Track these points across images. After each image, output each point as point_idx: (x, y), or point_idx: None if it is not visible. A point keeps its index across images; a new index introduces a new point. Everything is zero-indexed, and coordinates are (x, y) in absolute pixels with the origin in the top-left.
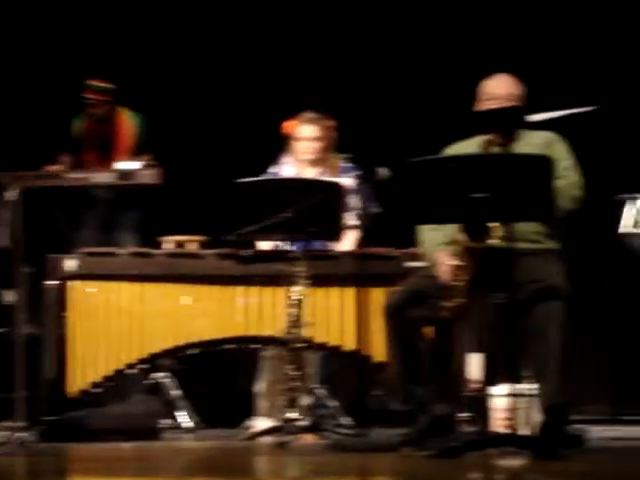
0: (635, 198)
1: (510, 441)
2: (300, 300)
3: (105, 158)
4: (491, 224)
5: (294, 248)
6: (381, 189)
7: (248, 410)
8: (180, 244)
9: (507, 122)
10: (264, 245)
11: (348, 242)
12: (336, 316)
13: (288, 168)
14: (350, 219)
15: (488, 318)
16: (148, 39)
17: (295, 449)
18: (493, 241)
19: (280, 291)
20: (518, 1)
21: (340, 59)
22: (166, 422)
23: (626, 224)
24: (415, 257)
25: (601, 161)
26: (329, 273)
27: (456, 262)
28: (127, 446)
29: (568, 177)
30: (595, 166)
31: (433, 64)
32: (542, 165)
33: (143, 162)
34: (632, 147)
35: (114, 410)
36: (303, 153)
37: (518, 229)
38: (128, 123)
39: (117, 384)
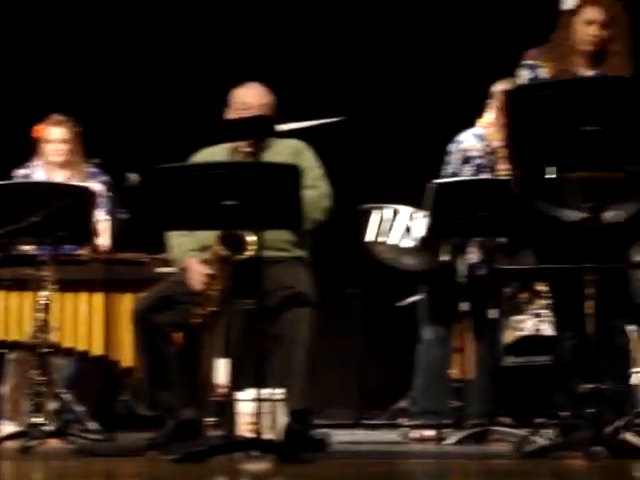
0: (380, 208)
1: (255, 445)
2: (47, 305)
3: None
4: (248, 237)
5: (42, 252)
6: (130, 195)
7: None
8: None
9: (258, 131)
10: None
11: (104, 237)
12: (84, 321)
13: (38, 171)
14: (100, 222)
15: (236, 324)
16: None
17: (40, 454)
18: (249, 253)
19: (27, 295)
20: (266, 12)
21: (88, 64)
22: None
23: (372, 233)
24: (166, 263)
25: (347, 171)
26: (78, 278)
27: (209, 271)
28: None
29: (318, 188)
30: (341, 175)
31: (181, 71)
32: (291, 174)
33: None
34: (377, 158)
35: None
36: (52, 155)
37: (267, 237)
38: None
39: None
